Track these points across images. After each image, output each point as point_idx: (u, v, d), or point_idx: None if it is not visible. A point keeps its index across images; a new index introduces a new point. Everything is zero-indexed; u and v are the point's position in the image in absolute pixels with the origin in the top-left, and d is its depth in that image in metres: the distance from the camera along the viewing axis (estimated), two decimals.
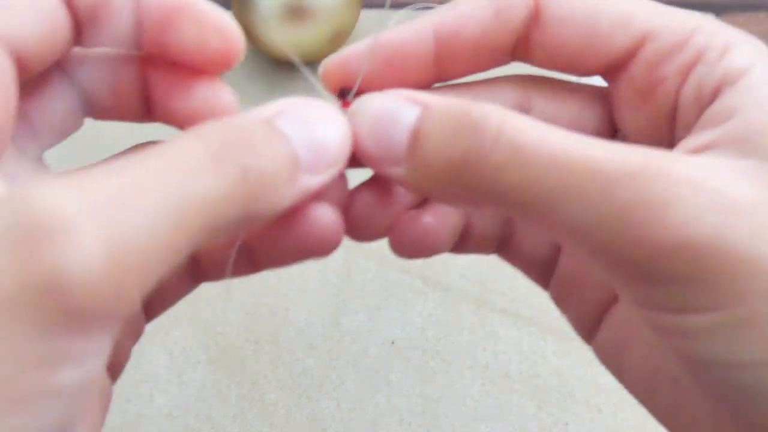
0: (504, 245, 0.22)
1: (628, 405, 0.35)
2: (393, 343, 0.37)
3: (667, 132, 0.17)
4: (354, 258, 0.41)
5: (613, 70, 0.18)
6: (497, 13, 0.17)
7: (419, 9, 0.20)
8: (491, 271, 0.40)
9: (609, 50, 0.17)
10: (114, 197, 0.11)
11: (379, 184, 0.20)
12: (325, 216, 0.17)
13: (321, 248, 0.17)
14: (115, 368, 0.18)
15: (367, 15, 0.53)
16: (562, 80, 0.19)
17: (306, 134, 0.16)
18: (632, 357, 0.18)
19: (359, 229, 0.19)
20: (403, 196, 0.20)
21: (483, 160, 0.14)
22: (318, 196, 0.17)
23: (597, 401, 0.35)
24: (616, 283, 0.15)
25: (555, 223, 0.14)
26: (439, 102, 0.15)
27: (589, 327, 0.19)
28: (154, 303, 0.20)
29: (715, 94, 0.16)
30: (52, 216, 0.11)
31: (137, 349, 0.37)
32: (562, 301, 0.20)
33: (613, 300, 0.19)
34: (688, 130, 0.16)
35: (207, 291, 0.39)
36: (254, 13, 0.46)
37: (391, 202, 0.19)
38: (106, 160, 0.16)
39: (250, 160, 0.13)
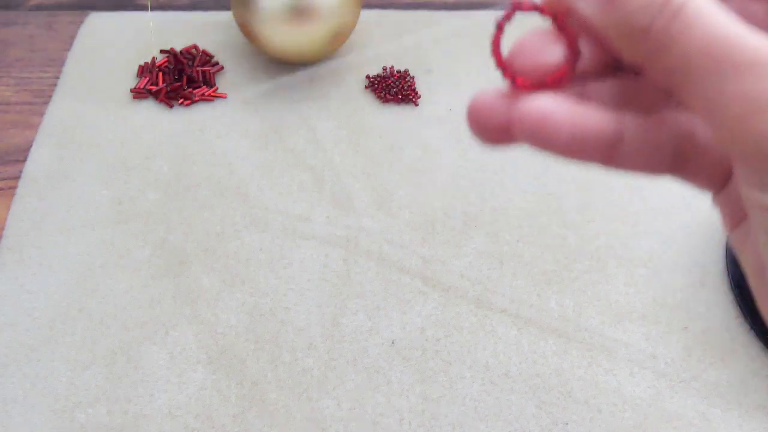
0: (678, 162, 0.21)
1: (628, 405, 0.35)
2: (393, 343, 0.37)
3: None
4: (354, 258, 0.41)
5: None
6: None
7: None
8: (491, 271, 0.40)
9: None
10: None
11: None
12: None
13: None
14: None
15: (367, 15, 0.53)
16: None
17: None
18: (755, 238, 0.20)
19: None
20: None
21: (660, 32, 0.16)
22: None
23: (597, 401, 0.35)
24: (734, 159, 0.17)
25: (699, 95, 0.16)
26: None
27: (736, 222, 0.21)
28: None
29: None
30: None
31: (137, 349, 0.37)
32: (724, 202, 0.22)
33: None
34: None
35: (207, 291, 0.39)
36: (254, 13, 0.46)
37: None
38: None
39: None
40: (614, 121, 0.19)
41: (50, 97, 0.49)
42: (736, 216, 0.21)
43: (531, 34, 0.19)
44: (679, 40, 0.16)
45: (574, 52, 0.18)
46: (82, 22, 0.54)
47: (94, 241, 0.41)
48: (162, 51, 0.51)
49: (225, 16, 0.54)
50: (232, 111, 0.48)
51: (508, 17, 0.19)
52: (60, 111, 0.48)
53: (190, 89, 0.49)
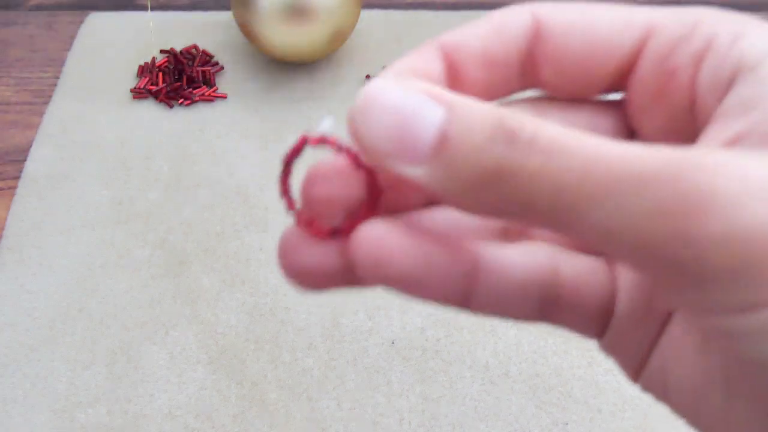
0: (549, 306, 0.18)
1: (628, 405, 0.35)
2: (393, 343, 0.37)
3: (686, 129, 0.17)
4: None
5: (622, 74, 0.17)
6: (497, 30, 0.17)
7: None
8: None
9: (615, 51, 0.17)
10: None
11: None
12: None
13: None
14: None
15: (367, 15, 0.53)
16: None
17: None
18: (679, 374, 0.17)
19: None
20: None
21: (517, 169, 0.13)
22: None
23: (597, 401, 0.35)
24: (660, 286, 0.14)
25: (592, 228, 0.13)
26: (465, 104, 0.14)
27: (638, 365, 0.18)
28: None
29: (730, 82, 0.15)
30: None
31: (137, 349, 0.37)
32: (613, 348, 0.19)
33: (662, 332, 0.18)
34: (708, 122, 0.16)
35: (207, 291, 0.39)
36: (254, 13, 0.46)
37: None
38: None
39: None
40: (468, 254, 0.16)
41: (50, 97, 0.49)
42: (634, 360, 0.18)
43: (324, 172, 0.16)
44: (543, 173, 0.13)
45: (374, 196, 0.16)
46: (82, 22, 0.54)
47: (94, 241, 0.41)
48: (162, 51, 0.51)
49: (225, 16, 0.54)
50: (232, 111, 0.48)
51: (295, 153, 0.16)
52: (60, 111, 0.48)
53: (190, 89, 0.49)
